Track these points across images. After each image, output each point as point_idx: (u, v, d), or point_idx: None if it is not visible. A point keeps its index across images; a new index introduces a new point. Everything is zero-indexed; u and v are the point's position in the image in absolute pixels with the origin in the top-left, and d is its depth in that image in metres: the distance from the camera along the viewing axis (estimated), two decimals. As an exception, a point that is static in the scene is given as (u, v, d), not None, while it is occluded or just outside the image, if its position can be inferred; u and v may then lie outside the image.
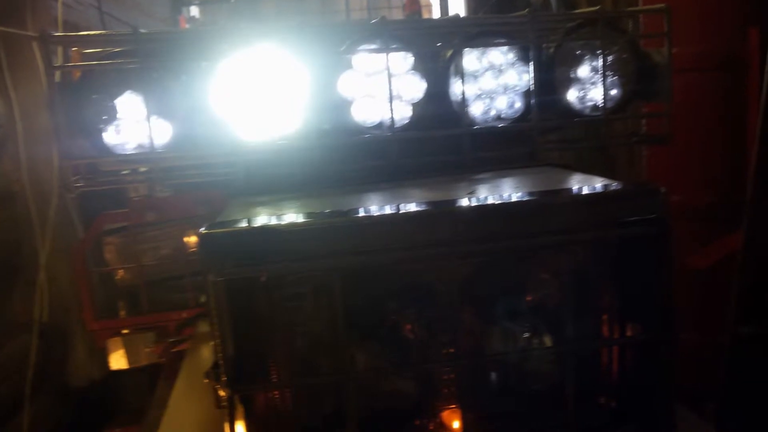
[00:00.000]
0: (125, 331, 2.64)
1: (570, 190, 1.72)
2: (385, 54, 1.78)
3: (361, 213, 1.55)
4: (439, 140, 1.91)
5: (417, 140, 1.90)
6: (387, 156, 1.85)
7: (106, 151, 1.79)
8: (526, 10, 1.88)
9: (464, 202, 1.59)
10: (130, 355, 2.64)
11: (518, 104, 1.96)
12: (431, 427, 1.75)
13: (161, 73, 1.75)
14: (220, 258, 1.43)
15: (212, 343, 1.47)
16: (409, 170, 1.94)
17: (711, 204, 3.26)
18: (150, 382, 2.76)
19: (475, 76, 1.93)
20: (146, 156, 1.77)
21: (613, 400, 1.78)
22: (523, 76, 1.93)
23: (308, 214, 1.57)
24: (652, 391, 1.65)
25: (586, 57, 1.95)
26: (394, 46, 1.81)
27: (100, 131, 1.77)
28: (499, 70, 1.94)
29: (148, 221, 2.86)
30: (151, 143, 1.73)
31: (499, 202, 1.57)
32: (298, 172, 1.92)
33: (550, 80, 1.95)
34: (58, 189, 3.37)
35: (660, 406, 1.64)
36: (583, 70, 1.95)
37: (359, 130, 1.87)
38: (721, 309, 3.00)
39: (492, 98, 1.95)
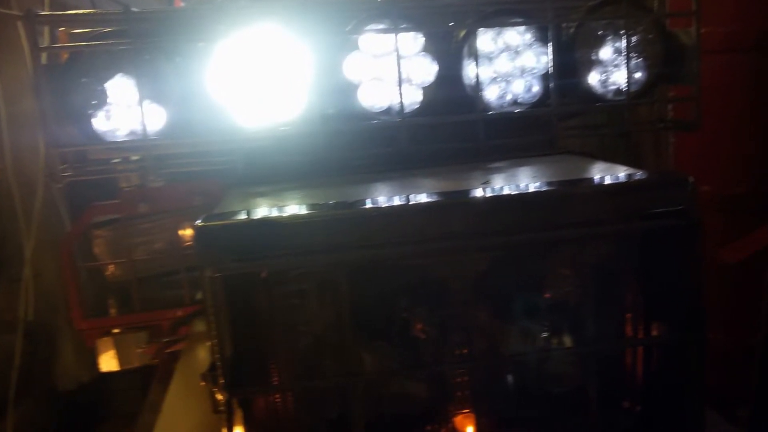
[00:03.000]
0: (116, 331, 2.64)
1: (591, 179, 1.72)
2: (394, 34, 1.78)
3: (368, 204, 1.55)
4: (451, 126, 1.91)
5: (428, 126, 1.90)
6: (396, 143, 1.85)
7: (96, 138, 1.79)
8: (545, -13, 1.87)
9: (478, 192, 1.59)
10: (121, 356, 2.64)
11: (536, 88, 1.96)
12: (443, 433, 1.76)
13: (154, 54, 1.75)
14: (218, 252, 1.43)
15: (209, 343, 1.47)
16: (420, 158, 1.95)
17: (743, 194, 3.25)
18: (142, 385, 2.77)
19: (489, 58, 1.93)
20: (138, 143, 1.78)
21: (639, 404, 1.78)
22: (541, 58, 1.92)
23: (311, 206, 1.57)
24: (680, 395, 1.65)
25: (609, 37, 1.94)
26: (403, 25, 1.80)
27: (89, 117, 1.78)
28: (516, 52, 1.93)
29: (140, 213, 2.86)
30: (144, 130, 1.73)
31: (516, 192, 1.56)
32: (301, 161, 1.92)
33: (571, 62, 1.94)
34: (44, 179, 3.37)
35: (688, 411, 1.64)
36: (606, 52, 1.95)
37: (366, 115, 1.87)
38: (754, 307, 3.00)
39: (508, 82, 1.95)
